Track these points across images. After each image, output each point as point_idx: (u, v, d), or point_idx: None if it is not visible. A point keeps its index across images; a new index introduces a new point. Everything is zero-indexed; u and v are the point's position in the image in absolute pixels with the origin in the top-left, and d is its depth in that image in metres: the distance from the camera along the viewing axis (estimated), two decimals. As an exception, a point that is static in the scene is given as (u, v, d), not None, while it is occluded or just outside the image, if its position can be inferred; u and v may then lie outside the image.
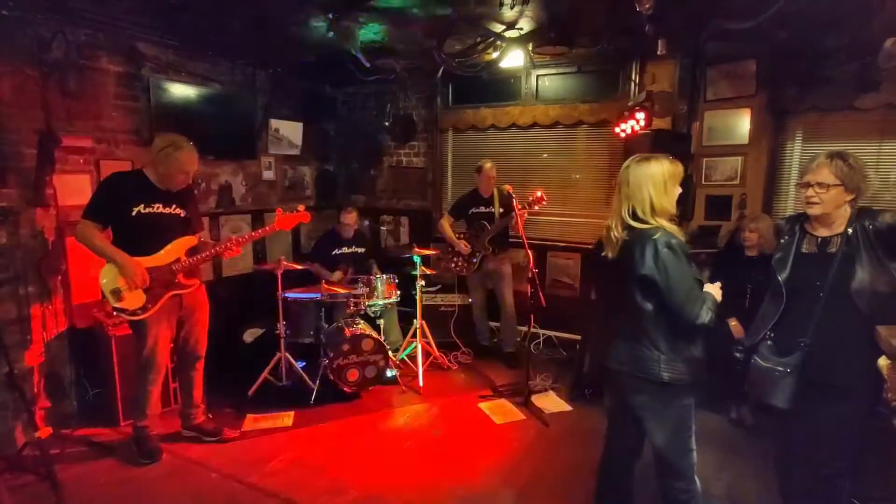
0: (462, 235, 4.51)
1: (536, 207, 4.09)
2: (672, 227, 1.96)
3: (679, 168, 2.04)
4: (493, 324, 4.80)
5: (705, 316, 1.87)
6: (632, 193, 1.99)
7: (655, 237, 1.90)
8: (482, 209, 4.44)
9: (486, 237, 4.35)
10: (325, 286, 3.92)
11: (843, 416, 2.05)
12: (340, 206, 4.94)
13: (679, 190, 2.04)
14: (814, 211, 2.06)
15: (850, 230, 2.01)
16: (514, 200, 3.95)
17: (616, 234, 2.01)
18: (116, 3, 3.29)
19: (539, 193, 4.06)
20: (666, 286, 1.87)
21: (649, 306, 1.94)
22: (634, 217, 1.97)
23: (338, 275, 4.37)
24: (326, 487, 2.80)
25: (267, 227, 3.30)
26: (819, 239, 2.10)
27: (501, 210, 4.33)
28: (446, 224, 4.52)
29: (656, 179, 1.96)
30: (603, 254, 2.08)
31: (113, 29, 3.60)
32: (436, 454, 3.15)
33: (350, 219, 4.53)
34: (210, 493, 2.76)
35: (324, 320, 4.05)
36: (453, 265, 4.57)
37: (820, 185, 2.00)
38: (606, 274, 2.14)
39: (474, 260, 4.43)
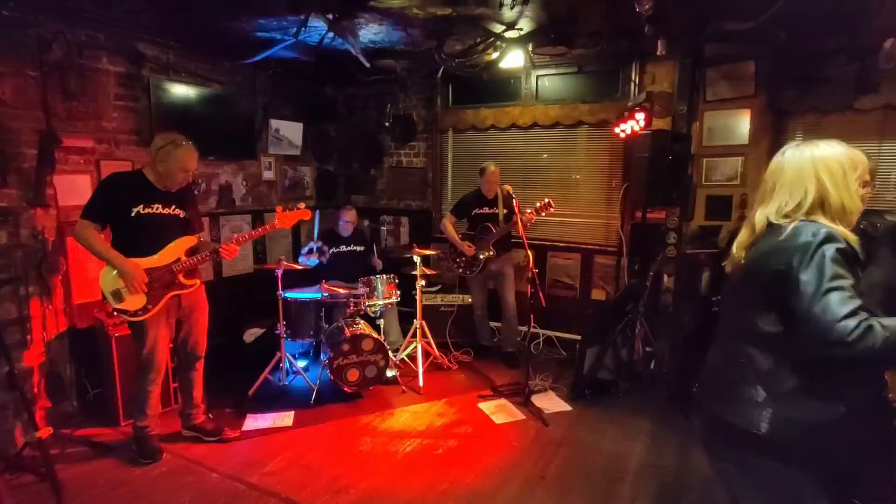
0: (465, 237, 4.50)
1: (543, 214, 4.06)
2: (843, 231, 1.35)
3: (858, 155, 1.41)
4: (493, 324, 4.80)
5: (853, 327, 1.19)
6: (786, 186, 1.42)
7: (814, 237, 1.31)
8: (486, 210, 4.42)
9: (490, 240, 4.32)
10: (326, 286, 3.93)
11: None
12: (340, 206, 4.96)
13: (867, 188, 1.43)
14: None
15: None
16: (514, 201, 3.94)
17: (742, 239, 1.50)
18: (117, 3, 3.29)
19: (547, 200, 4.02)
20: (801, 284, 1.27)
21: (770, 327, 1.37)
22: (784, 218, 1.42)
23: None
24: (326, 487, 2.81)
25: (267, 226, 3.29)
26: None
27: (505, 212, 4.30)
28: (450, 225, 4.48)
29: (831, 166, 1.37)
30: (724, 265, 1.59)
31: (113, 29, 3.61)
32: (435, 454, 3.15)
33: (350, 216, 4.58)
34: (210, 492, 2.76)
35: (324, 320, 4.05)
36: (456, 266, 4.57)
37: None
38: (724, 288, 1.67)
39: (478, 262, 4.41)
